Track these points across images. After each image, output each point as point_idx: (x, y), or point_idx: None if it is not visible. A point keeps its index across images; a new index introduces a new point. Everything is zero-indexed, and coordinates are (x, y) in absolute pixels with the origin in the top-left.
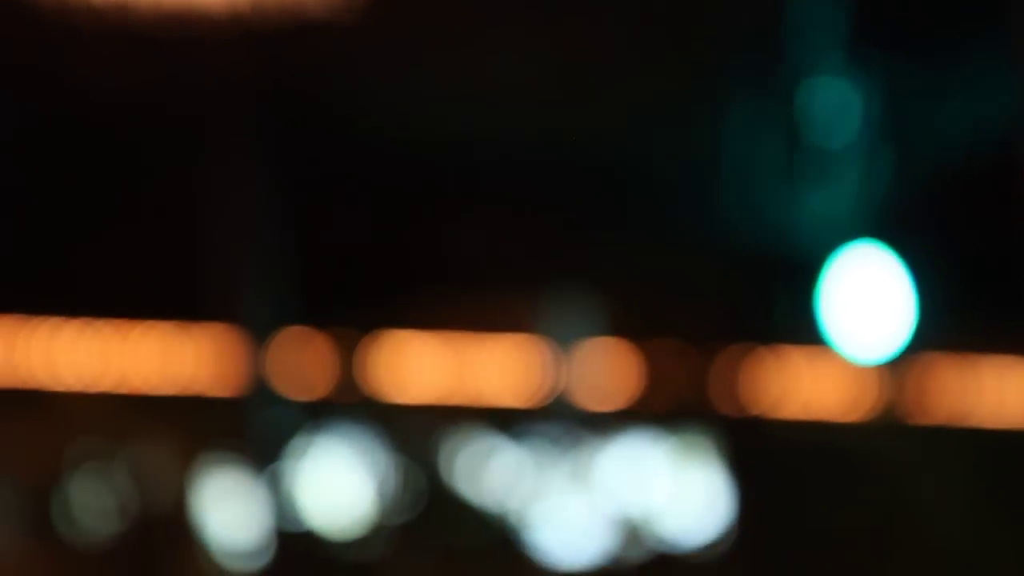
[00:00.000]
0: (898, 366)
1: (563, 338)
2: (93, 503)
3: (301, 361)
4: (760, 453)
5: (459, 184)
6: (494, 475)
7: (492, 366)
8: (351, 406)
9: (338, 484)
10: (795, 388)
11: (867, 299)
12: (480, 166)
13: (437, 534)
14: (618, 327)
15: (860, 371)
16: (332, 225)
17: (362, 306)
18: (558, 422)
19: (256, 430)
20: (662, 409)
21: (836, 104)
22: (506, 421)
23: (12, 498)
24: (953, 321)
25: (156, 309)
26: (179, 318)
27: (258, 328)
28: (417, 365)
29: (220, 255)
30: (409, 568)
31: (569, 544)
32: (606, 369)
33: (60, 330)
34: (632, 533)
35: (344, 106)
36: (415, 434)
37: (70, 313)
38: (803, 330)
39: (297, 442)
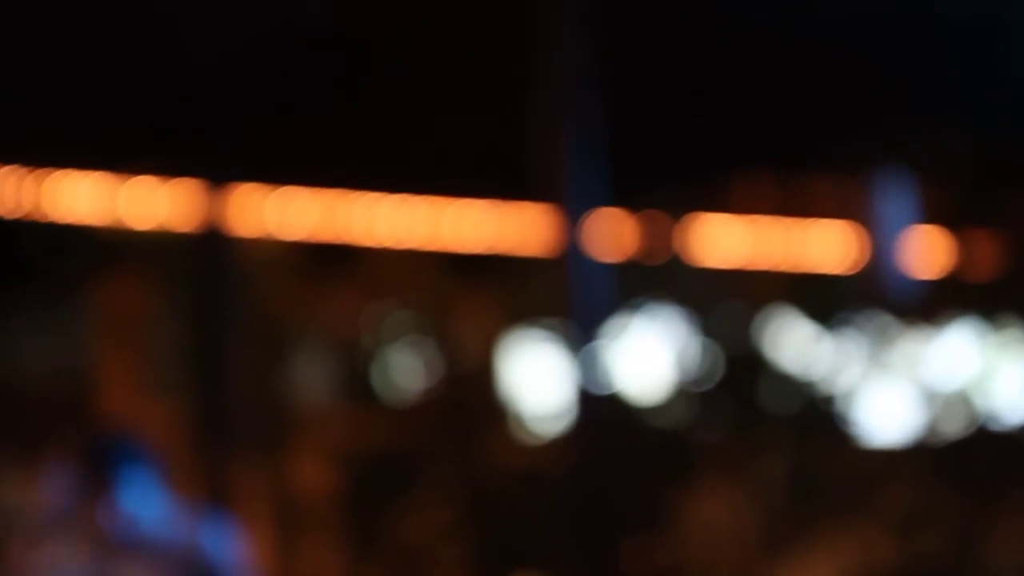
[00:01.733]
0: None
1: (883, 222)
2: (407, 363)
3: (616, 239)
4: None
5: (779, 62)
6: (808, 349)
7: (809, 249)
8: (662, 278)
9: (645, 351)
10: None
11: None
12: (798, 42)
13: (741, 402)
14: (935, 212)
15: None
16: (650, 106)
17: (677, 188)
18: (874, 301)
19: (568, 297)
20: (977, 293)
21: None
22: (821, 300)
23: (330, 357)
24: None
25: (478, 185)
26: (499, 195)
27: (576, 206)
28: (730, 246)
29: (541, 134)
30: (712, 434)
31: (882, 418)
32: (923, 253)
33: (384, 201)
34: (948, 410)
35: None
36: (722, 305)
37: (395, 187)
38: None
39: (607, 310)
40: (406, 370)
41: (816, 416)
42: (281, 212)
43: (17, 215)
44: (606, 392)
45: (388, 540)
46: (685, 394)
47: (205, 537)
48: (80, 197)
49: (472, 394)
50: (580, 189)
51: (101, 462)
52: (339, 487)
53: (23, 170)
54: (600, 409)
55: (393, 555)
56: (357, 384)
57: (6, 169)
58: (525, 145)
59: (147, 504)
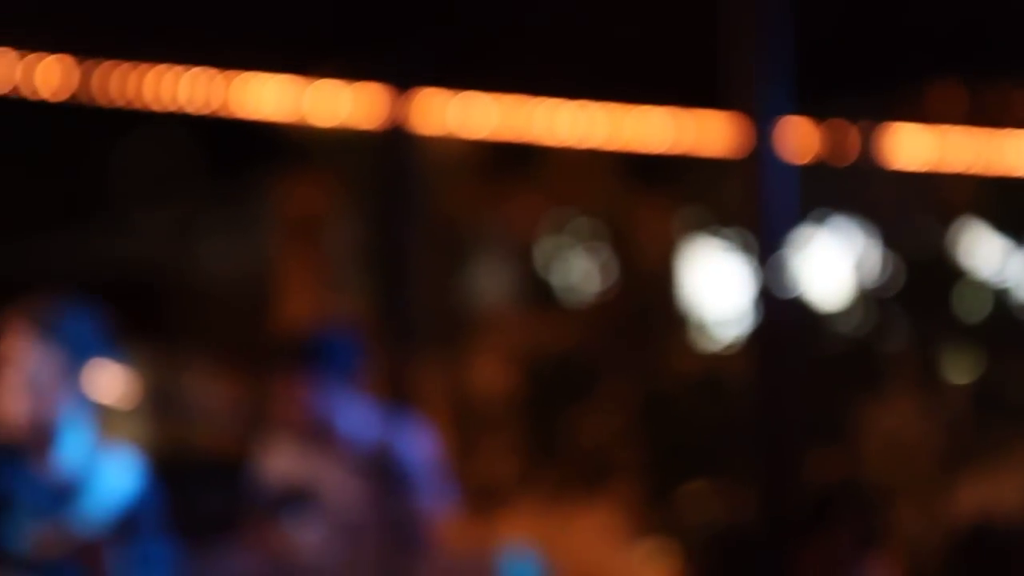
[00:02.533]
0: None
1: None
2: (586, 269)
3: (802, 147)
4: None
5: None
6: (998, 258)
7: (1000, 157)
8: (848, 186)
9: (829, 259)
10: None
11: None
12: None
13: (927, 312)
14: None
15: None
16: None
17: (866, 96)
18: None
19: (753, 203)
20: None
21: None
22: (1013, 209)
23: (509, 260)
24: None
25: (661, 91)
26: (682, 102)
27: (763, 113)
28: (918, 155)
29: (728, 39)
30: (897, 343)
31: None
32: None
33: (566, 106)
34: None
35: None
36: (908, 215)
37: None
38: None
39: (792, 217)
40: (585, 275)
41: (1005, 326)
42: (464, 116)
43: (204, 112)
44: (789, 298)
45: (563, 442)
46: (869, 303)
47: (394, 435)
48: (266, 97)
49: (651, 300)
50: (767, 96)
51: (305, 355)
52: (516, 389)
53: (212, 71)
54: (783, 315)
55: (567, 457)
56: (535, 287)
57: (196, 69)
58: (711, 50)
59: (342, 401)
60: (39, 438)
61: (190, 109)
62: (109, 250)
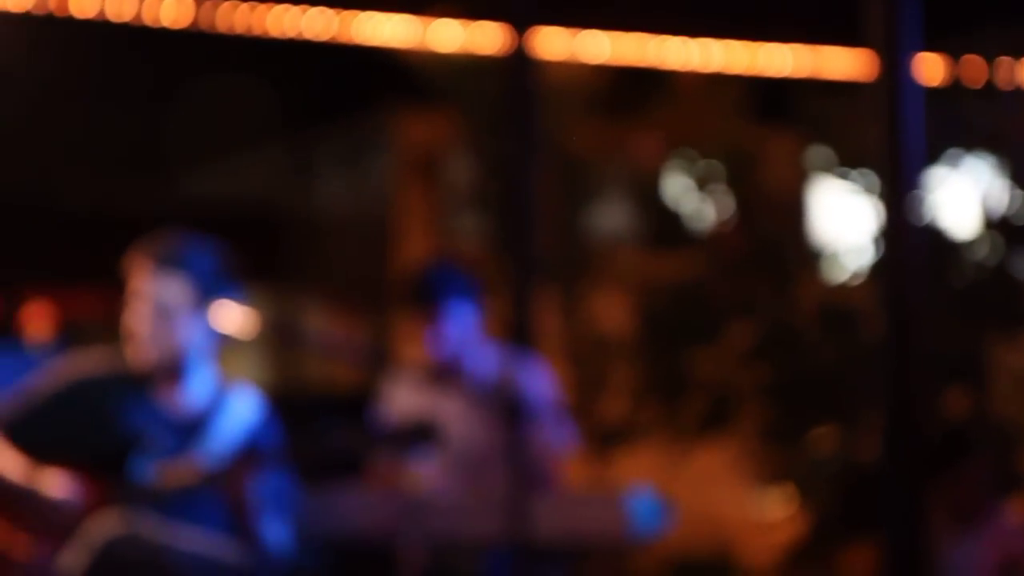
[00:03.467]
0: None
1: None
2: (710, 206)
3: (934, 83)
4: None
5: None
6: None
7: None
8: (980, 123)
9: (961, 196)
10: None
11: None
12: None
13: None
14: None
15: None
16: None
17: (996, 33)
18: None
19: (884, 140)
20: None
21: None
22: None
23: (632, 196)
24: None
25: (788, 28)
26: (810, 39)
27: (894, 50)
28: None
29: None
30: None
31: None
32: None
33: (692, 43)
34: None
35: None
36: None
37: (704, 28)
38: None
39: (922, 154)
40: (706, 212)
41: None
42: (587, 52)
43: (325, 40)
44: (918, 229)
45: (684, 379)
46: (998, 236)
47: (515, 373)
48: (386, 33)
49: (774, 235)
50: (898, 32)
51: (430, 293)
52: (637, 326)
53: (331, 10)
54: (911, 246)
55: (689, 394)
56: (657, 224)
57: (316, 8)
58: None
59: (465, 338)
60: (168, 370)
61: (310, 38)
62: (229, 187)
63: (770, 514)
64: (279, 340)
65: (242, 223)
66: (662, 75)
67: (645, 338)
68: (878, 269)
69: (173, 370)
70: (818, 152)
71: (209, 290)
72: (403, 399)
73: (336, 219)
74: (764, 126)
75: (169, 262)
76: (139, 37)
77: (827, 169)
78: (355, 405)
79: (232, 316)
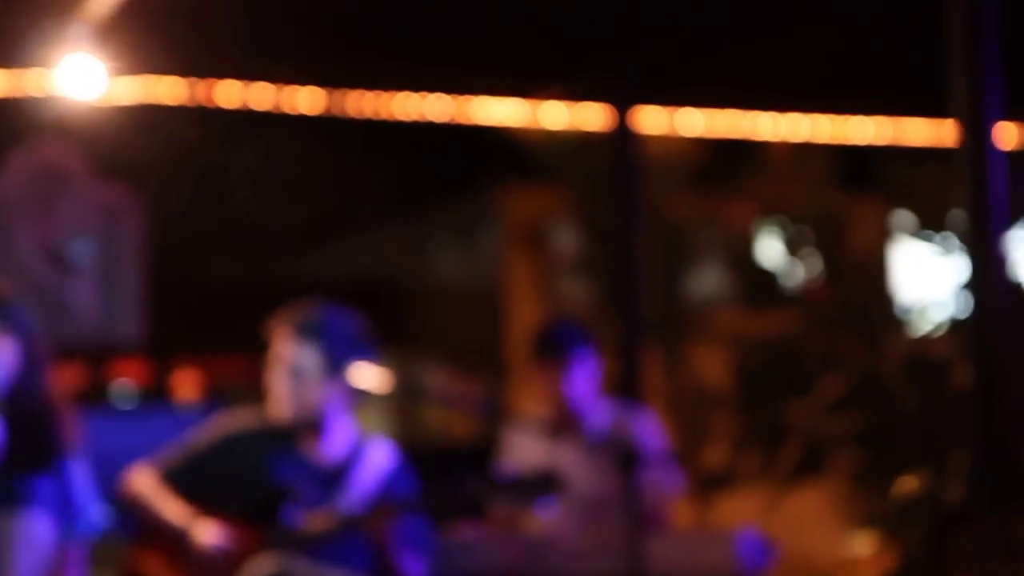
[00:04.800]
0: None
1: None
2: (799, 270)
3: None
4: None
5: None
6: None
7: None
8: None
9: None
10: None
11: None
12: None
13: None
14: None
15: None
16: None
17: None
18: None
19: (967, 204)
20: None
21: None
22: None
23: (726, 262)
24: None
25: (871, 100)
26: (892, 111)
27: (975, 118)
28: None
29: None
30: None
31: None
32: None
33: (778, 117)
34: None
35: None
36: None
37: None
38: None
39: (1006, 218)
40: (795, 273)
41: None
42: (684, 127)
43: (444, 121)
44: (1006, 288)
45: (783, 428)
46: None
47: (627, 422)
48: (499, 116)
49: (864, 293)
50: (982, 102)
51: (556, 345)
52: (736, 379)
53: (447, 96)
54: (999, 300)
55: (787, 442)
56: (753, 284)
57: (433, 95)
58: (920, 58)
59: (587, 388)
60: (307, 425)
61: (430, 121)
62: (355, 261)
63: (861, 553)
64: (404, 397)
65: (366, 294)
66: (753, 147)
67: (742, 390)
68: (962, 323)
69: (312, 425)
70: (901, 216)
71: (343, 353)
72: (523, 449)
73: (451, 289)
74: (849, 193)
75: (306, 330)
76: (276, 125)
77: (909, 232)
78: (474, 455)
79: (366, 376)
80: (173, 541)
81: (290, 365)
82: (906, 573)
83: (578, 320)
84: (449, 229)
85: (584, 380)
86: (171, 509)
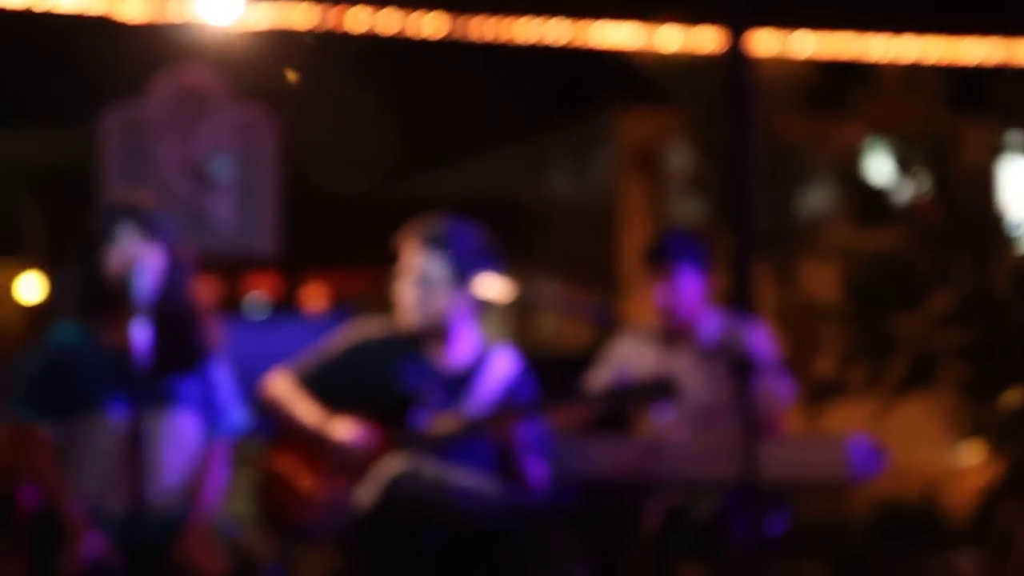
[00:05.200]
0: None
1: None
2: (904, 180)
3: None
4: None
5: None
6: None
7: None
8: None
9: None
10: None
11: None
12: None
13: None
14: None
15: None
16: None
17: None
18: None
19: None
20: None
21: None
22: None
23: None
24: None
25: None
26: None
27: None
28: None
29: None
30: None
31: None
32: None
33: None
34: None
35: None
36: None
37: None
38: None
39: None
40: (908, 190)
41: None
42: (797, 49)
43: (563, 45)
44: None
45: (891, 342)
46: None
47: (740, 332)
48: (615, 39)
49: (972, 209)
50: None
51: (666, 254)
52: (846, 293)
53: (569, 19)
54: None
55: (895, 355)
56: (862, 201)
57: (555, 18)
58: None
59: (697, 297)
60: (433, 334)
61: (549, 44)
62: (475, 183)
63: (968, 463)
64: (523, 306)
65: (485, 212)
66: (865, 69)
67: (852, 305)
68: None
69: (438, 333)
70: (1011, 135)
71: (468, 264)
72: (636, 357)
73: (565, 208)
74: (959, 113)
75: (434, 241)
76: (405, 50)
77: (1020, 151)
78: (589, 363)
79: (490, 286)
80: (309, 440)
81: (418, 275)
82: (1011, 483)
83: (690, 231)
84: (564, 151)
85: (693, 289)
86: (307, 409)
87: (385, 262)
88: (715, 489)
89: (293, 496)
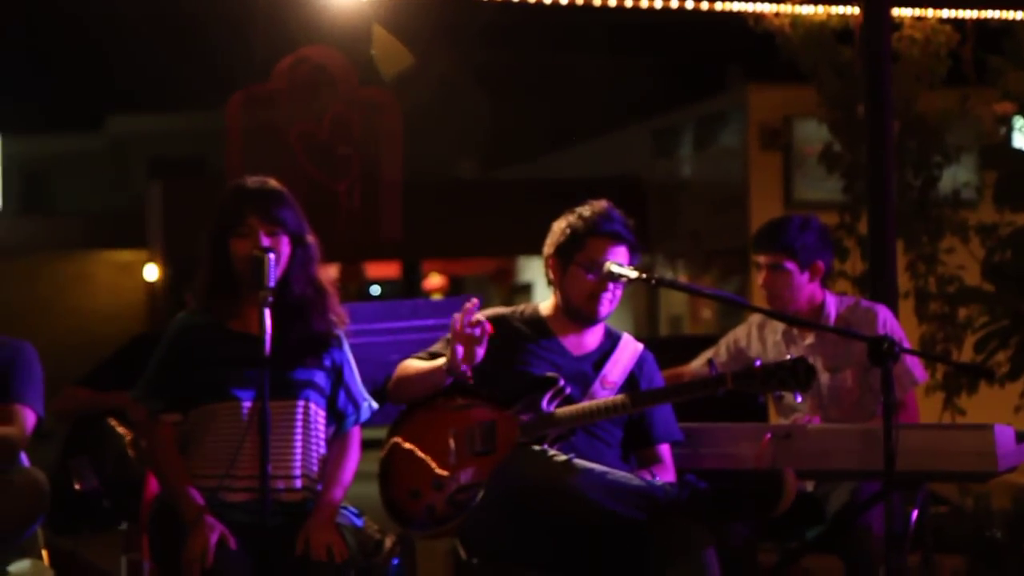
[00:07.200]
0: None
1: None
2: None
3: None
4: None
5: None
6: None
7: None
8: None
9: None
10: None
11: None
12: None
13: None
14: None
15: None
16: None
17: None
18: None
19: None
20: None
21: None
22: None
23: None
24: None
25: None
26: None
27: None
28: None
29: None
30: None
31: None
32: None
33: None
34: None
35: None
36: None
37: None
38: None
39: None
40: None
41: None
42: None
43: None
44: None
45: None
46: None
47: (873, 315)
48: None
49: None
50: None
51: (763, 242)
52: (988, 276)
53: None
54: None
55: None
56: (1004, 180)
57: None
58: None
59: (801, 283)
60: (571, 318)
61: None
62: (605, 160)
63: None
64: (652, 287)
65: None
66: (1004, 44)
67: (993, 286)
68: None
69: (572, 319)
70: None
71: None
72: (756, 341)
73: (694, 186)
74: None
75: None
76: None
77: None
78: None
79: (621, 268)
80: (435, 427)
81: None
82: None
83: (801, 217)
84: (694, 128)
85: (798, 277)
86: (432, 365)
87: (503, 249)
88: (851, 478)
89: (417, 483)
